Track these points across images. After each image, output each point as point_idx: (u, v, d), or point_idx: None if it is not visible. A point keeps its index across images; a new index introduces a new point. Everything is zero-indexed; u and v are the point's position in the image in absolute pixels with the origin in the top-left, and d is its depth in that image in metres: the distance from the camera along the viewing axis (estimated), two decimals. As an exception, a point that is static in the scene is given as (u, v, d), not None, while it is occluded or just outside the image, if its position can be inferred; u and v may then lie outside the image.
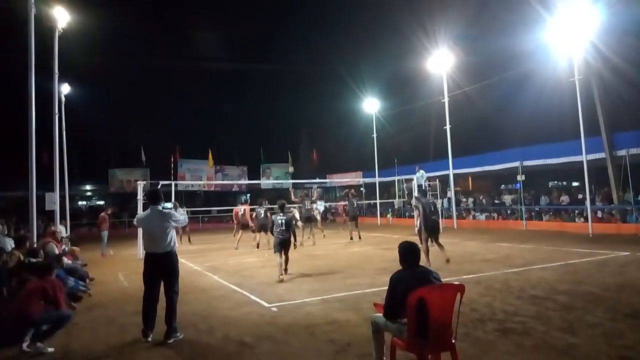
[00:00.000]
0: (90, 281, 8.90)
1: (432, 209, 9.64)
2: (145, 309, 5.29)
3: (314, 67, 41.06)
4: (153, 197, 5.64)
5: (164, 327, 5.20)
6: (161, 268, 5.35)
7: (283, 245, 8.76)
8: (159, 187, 14.31)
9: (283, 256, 8.77)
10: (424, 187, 18.93)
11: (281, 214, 9.01)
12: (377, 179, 25.52)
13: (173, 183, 15.37)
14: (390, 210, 27.46)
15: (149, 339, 5.17)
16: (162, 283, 5.36)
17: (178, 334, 5.22)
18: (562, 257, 10.04)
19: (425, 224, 9.43)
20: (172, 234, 5.47)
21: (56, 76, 13.61)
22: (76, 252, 10.61)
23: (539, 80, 20.00)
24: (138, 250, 13.72)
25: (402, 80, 30.36)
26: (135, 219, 5.93)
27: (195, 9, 47.39)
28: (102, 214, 15.28)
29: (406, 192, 21.58)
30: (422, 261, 9.48)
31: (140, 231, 13.97)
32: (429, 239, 9.52)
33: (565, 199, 19.22)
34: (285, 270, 8.88)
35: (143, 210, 13.97)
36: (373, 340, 3.95)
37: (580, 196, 18.46)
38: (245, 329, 5.53)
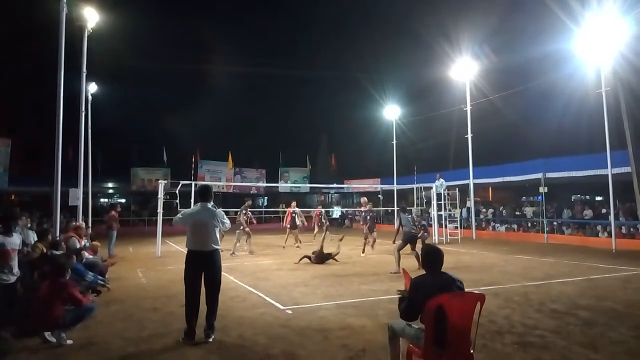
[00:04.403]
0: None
1: (411, 223, 10.52)
2: (189, 309, 5.14)
3: (335, 73, 41.33)
4: (204, 194, 5.51)
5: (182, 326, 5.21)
6: (205, 266, 5.21)
7: None
8: (179, 187, 14.50)
9: None
10: (442, 196, 18.75)
11: None
12: (395, 186, 25.32)
13: (193, 183, 15.55)
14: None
15: (194, 340, 5.02)
16: (202, 281, 5.22)
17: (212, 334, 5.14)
18: (584, 272, 9.82)
19: (403, 236, 10.35)
20: (218, 232, 5.38)
21: (84, 75, 13.96)
22: (97, 248, 10.78)
23: (564, 91, 19.64)
24: (157, 248, 13.92)
25: (423, 88, 30.26)
26: (180, 214, 5.51)
27: (220, 14, 48.18)
28: (112, 212, 14.05)
29: (425, 200, 21.35)
30: (393, 268, 9.80)
31: (159, 229, 14.24)
32: (407, 246, 10.29)
33: (588, 213, 18.76)
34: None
35: (162, 209, 14.35)
36: (389, 346, 3.90)
37: (603, 210, 18.01)
38: (259, 329, 5.54)
